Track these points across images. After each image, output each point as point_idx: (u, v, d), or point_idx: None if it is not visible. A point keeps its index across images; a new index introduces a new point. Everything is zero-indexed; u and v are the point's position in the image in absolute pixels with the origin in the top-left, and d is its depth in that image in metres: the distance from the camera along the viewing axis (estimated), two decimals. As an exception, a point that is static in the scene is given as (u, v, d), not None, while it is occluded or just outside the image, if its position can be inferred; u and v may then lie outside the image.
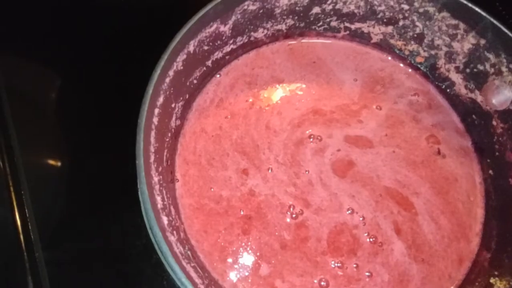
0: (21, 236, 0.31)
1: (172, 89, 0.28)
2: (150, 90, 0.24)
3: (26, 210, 0.32)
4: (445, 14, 0.30)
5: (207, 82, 0.36)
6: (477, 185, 0.33)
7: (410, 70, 0.38)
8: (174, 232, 0.25)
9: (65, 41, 0.39)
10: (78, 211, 0.33)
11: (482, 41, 0.29)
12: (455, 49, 0.32)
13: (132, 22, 0.40)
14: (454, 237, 0.31)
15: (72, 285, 0.30)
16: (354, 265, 0.30)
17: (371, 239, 0.31)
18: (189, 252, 0.26)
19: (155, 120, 0.26)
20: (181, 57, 0.27)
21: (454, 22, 0.30)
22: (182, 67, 0.28)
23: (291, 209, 0.32)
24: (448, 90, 0.35)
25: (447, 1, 0.29)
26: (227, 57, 0.35)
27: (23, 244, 0.30)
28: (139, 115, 0.23)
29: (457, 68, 0.33)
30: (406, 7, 0.32)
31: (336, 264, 0.30)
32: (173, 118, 0.31)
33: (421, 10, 0.31)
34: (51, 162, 0.36)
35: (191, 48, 0.28)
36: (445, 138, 0.35)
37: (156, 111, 0.26)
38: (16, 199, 0.32)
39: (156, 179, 0.25)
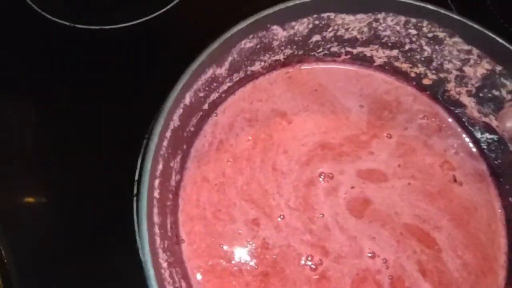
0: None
1: (169, 149, 0.25)
2: (148, 165, 0.20)
3: (3, 252, 0.30)
4: (457, 39, 0.28)
5: (203, 124, 0.32)
6: (497, 212, 0.32)
7: (416, 91, 0.36)
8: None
9: (41, 76, 0.38)
10: (60, 255, 0.31)
11: (498, 68, 0.27)
12: (467, 74, 0.30)
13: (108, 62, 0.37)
14: (480, 272, 0.30)
15: None
16: (382, 316, 0.28)
17: (396, 284, 0.29)
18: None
19: (156, 192, 0.22)
20: (177, 113, 0.24)
21: (467, 47, 0.28)
22: (179, 123, 0.25)
23: (309, 259, 0.29)
24: (458, 113, 0.34)
25: (460, 27, 0.27)
26: (223, 95, 0.32)
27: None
28: (140, 200, 0.20)
29: (469, 92, 0.31)
30: (413, 32, 0.30)
31: (363, 317, 0.28)
32: (173, 177, 0.28)
33: (430, 35, 0.29)
34: (28, 201, 0.34)
35: (187, 100, 0.25)
36: (459, 164, 0.34)
37: (156, 182, 0.23)
38: None
39: (162, 256, 0.22)
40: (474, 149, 0.34)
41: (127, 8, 0.41)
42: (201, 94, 0.28)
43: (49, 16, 0.39)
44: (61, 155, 0.35)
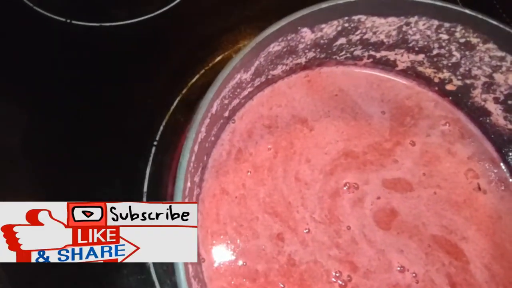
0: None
1: (195, 163, 0.22)
2: (178, 197, 0.18)
3: None
4: (491, 45, 0.27)
5: (220, 132, 0.30)
6: (522, 220, 0.32)
7: (438, 97, 0.35)
8: None
9: (32, 80, 0.35)
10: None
11: (533, 76, 0.27)
12: (497, 81, 0.29)
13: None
14: (508, 283, 0.29)
15: None
16: (415, 333, 0.27)
17: (427, 299, 0.28)
18: None
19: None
20: (205, 124, 0.22)
21: (500, 54, 0.27)
22: (205, 133, 0.23)
23: (338, 275, 0.28)
24: (480, 119, 0.33)
25: (496, 33, 0.26)
26: (242, 101, 0.30)
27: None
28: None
29: (496, 99, 0.31)
30: (445, 36, 0.28)
31: (395, 335, 0.27)
32: (194, 192, 0.25)
33: (462, 40, 0.28)
34: None
35: (214, 109, 0.23)
36: (483, 171, 0.33)
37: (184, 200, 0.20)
38: None
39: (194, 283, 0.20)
40: (496, 157, 0.34)
41: (129, 5, 0.38)
42: (226, 101, 0.25)
43: (46, 13, 0.36)
44: (58, 157, 0.32)
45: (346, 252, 0.28)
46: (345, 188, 0.31)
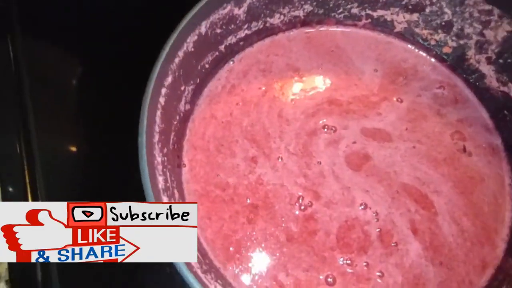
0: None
1: (181, 70, 0.27)
2: (157, 68, 0.23)
3: (38, 193, 0.32)
4: (477, -2, 0.28)
5: (219, 68, 0.35)
6: (506, 186, 0.31)
7: (435, 61, 0.35)
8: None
9: (90, 28, 0.38)
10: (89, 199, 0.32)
11: (519, 27, 0.26)
12: (487, 38, 0.29)
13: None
14: (477, 241, 0.29)
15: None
16: (364, 264, 0.28)
17: (384, 237, 0.29)
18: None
19: (162, 100, 0.25)
20: (192, 37, 0.27)
21: (487, 7, 0.27)
22: (192, 49, 0.28)
23: (300, 200, 0.30)
24: (477, 84, 0.33)
25: (480, -17, 0.26)
26: (241, 43, 0.35)
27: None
28: (145, 92, 0.22)
29: (488, 59, 0.30)
30: (434, -9, 0.30)
31: (345, 261, 0.28)
32: (182, 102, 0.30)
33: (450, -6, 0.29)
34: (66, 148, 0.36)
35: (202, 29, 0.27)
36: (471, 135, 0.33)
37: (163, 91, 0.25)
38: (30, 182, 0.32)
39: (159, 159, 0.25)
40: (490, 123, 0.33)
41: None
42: (218, 31, 0.30)
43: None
44: (99, 103, 0.35)
45: (312, 182, 0.31)
46: (323, 129, 0.33)
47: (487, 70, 0.31)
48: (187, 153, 0.32)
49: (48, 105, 0.36)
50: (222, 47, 0.33)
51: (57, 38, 0.39)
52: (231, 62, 0.35)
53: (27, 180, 0.32)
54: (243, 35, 0.34)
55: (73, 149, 0.36)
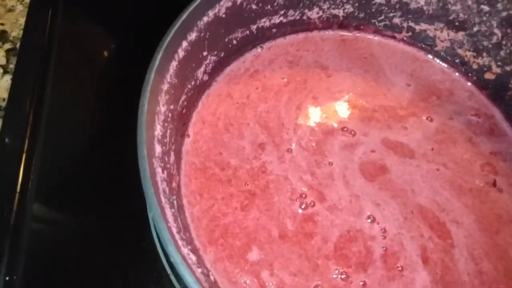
0: (20, 177, 0.29)
1: (208, 34, 0.26)
2: (183, 16, 0.22)
3: (35, 149, 0.30)
4: (534, 19, 0.26)
5: (246, 51, 0.34)
6: (539, 234, 0.27)
7: (474, 88, 0.33)
8: (165, 172, 0.22)
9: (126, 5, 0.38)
10: (86, 176, 0.30)
11: None
12: (539, 66, 0.27)
13: None
14: (496, 286, 0.24)
15: (48, 243, 0.27)
16: (361, 282, 0.24)
17: (389, 258, 0.25)
18: (175, 201, 0.23)
19: (181, 53, 0.24)
20: (226, 2, 0.26)
21: (544, 30, 0.25)
22: (224, 15, 0.27)
23: (303, 197, 0.27)
24: (518, 117, 0.30)
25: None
26: (273, 30, 0.34)
27: (18, 185, 0.29)
28: (164, 37, 0.21)
29: (536, 89, 0.28)
30: (486, 8, 0.28)
31: (339, 275, 0.24)
32: (201, 69, 0.29)
33: (504, 14, 0.27)
34: (75, 121, 0.34)
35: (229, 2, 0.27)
36: (504, 171, 0.29)
37: (184, 44, 0.24)
38: (30, 140, 0.31)
39: (163, 109, 0.23)
40: (528, 162, 0.29)
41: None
42: (254, 7, 0.29)
43: None
44: (123, 78, 0.34)
45: (319, 182, 0.28)
46: (342, 131, 0.30)
47: (533, 102, 0.28)
48: (194, 125, 0.30)
49: (70, 75, 0.35)
50: (254, 28, 0.32)
51: (96, 10, 0.39)
52: (260, 49, 0.34)
53: (28, 139, 0.31)
54: (277, 21, 0.33)
55: (82, 124, 0.34)
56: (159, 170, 0.20)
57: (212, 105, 0.31)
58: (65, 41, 0.37)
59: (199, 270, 0.20)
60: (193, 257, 0.19)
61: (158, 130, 0.21)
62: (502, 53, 0.29)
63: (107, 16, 0.39)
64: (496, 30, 0.28)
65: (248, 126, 0.30)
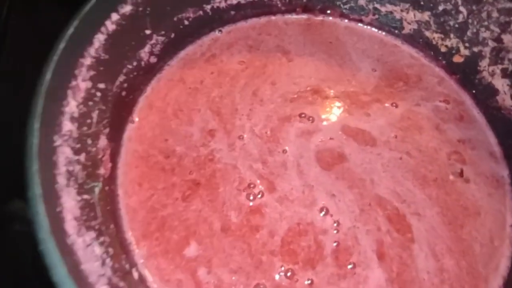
0: None
1: (148, 8, 0.24)
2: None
3: None
4: (499, -6, 0.24)
5: (203, 35, 0.32)
6: (507, 227, 0.24)
7: (444, 73, 0.31)
8: (83, 154, 0.20)
9: None
10: None
11: (545, 31, 0.22)
12: (506, 44, 0.25)
13: None
14: (459, 286, 0.22)
15: None
16: (308, 281, 0.22)
17: (341, 254, 0.23)
18: (96, 188, 0.20)
19: (110, 26, 0.22)
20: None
21: (508, 5, 0.23)
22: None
23: (251, 187, 0.25)
24: (487, 102, 0.28)
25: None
26: (232, 12, 0.32)
27: None
28: (84, 4, 0.19)
29: (504, 71, 0.26)
30: (450, -16, 0.26)
31: (284, 273, 0.22)
32: (146, 49, 0.27)
33: (468, -11, 0.25)
34: None
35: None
36: (473, 160, 0.27)
37: (115, 16, 0.22)
38: None
39: (83, 93, 0.21)
40: (498, 150, 0.27)
41: None
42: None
43: None
44: None
45: (270, 171, 0.26)
46: (299, 117, 0.28)
47: (501, 85, 0.26)
48: (140, 110, 0.28)
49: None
50: (208, 8, 0.30)
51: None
52: (218, 32, 0.32)
53: None
54: (234, 1, 0.31)
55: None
56: (66, 149, 0.18)
57: (163, 90, 0.29)
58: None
59: (110, 264, 0.18)
60: (98, 250, 0.17)
61: (72, 107, 0.19)
62: (468, 32, 0.27)
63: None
64: (461, 8, 0.26)
65: (199, 112, 0.28)
